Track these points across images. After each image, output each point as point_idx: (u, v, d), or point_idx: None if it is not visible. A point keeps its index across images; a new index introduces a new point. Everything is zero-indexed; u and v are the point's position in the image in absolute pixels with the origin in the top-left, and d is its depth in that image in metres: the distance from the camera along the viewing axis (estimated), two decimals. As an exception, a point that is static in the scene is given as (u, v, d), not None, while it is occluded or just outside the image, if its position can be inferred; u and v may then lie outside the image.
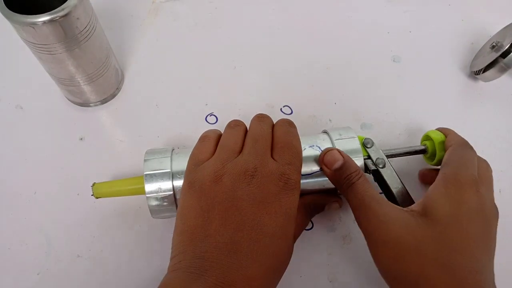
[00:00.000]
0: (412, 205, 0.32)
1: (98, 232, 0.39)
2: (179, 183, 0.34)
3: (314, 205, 0.37)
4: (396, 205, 0.32)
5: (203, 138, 0.35)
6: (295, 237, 0.33)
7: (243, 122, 0.36)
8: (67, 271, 0.38)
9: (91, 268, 0.38)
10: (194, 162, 0.33)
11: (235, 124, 0.36)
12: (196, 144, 0.35)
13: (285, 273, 0.37)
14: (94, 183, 0.37)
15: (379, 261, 0.32)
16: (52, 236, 0.39)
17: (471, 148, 0.36)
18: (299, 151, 0.33)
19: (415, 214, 0.31)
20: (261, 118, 0.36)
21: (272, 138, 0.34)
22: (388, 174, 0.36)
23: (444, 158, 0.35)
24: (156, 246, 0.39)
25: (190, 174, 0.32)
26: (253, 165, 0.31)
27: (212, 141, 0.34)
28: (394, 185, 0.36)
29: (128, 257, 0.38)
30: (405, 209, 0.32)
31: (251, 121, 0.36)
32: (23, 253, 0.38)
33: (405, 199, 0.35)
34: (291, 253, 0.31)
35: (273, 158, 0.32)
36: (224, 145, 0.33)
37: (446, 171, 0.33)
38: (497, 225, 0.32)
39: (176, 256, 0.29)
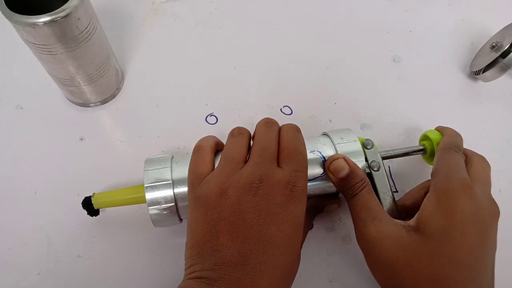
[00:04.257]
0: (409, 221, 0.32)
1: (98, 232, 0.39)
2: (180, 192, 0.34)
3: (314, 207, 0.37)
4: (392, 220, 0.32)
5: (197, 149, 0.34)
6: (303, 241, 0.33)
7: (246, 129, 0.35)
8: (67, 271, 0.38)
9: (91, 268, 0.38)
10: (196, 177, 0.32)
11: (238, 132, 0.35)
12: (192, 157, 0.34)
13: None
14: (94, 193, 0.37)
15: (375, 275, 0.33)
16: (52, 236, 0.39)
17: (457, 149, 0.36)
18: (305, 157, 0.33)
19: (410, 229, 0.31)
20: (268, 124, 0.35)
21: (278, 143, 0.33)
22: (379, 179, 0.36)
23: (433, 167, 0.35)
24: (156, 246, 0.39)
25: (194, 189, 0.32)
26: (258, 176, 0.30)
27: (208, 151, 0.34)
28: (383, 191, 0.36)
29: (128, 258, 0.38)
30: (402, 223, 0.32)
31: (258, 126, 0.35)
32: (23, 253, 0.38)
33: (390, 208, 0.35)
34: (299, 260, 0.31)
35: (279, 166, 0.32)
36: (227, 156, 0.32)
37: (437, 181, 0.33)
38: (497, 222, 0.32)
39: (188, 269, 0.29)
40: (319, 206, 0.38)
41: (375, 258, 0.32)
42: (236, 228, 0.29)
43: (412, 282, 0.30)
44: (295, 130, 0.35)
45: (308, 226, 0.36)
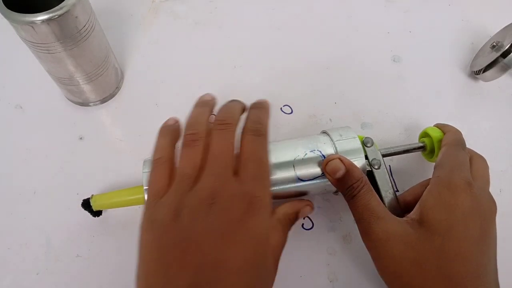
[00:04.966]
0: (410, 213, 0.32)
1: (98, 232, 0.39)
2: None
3: (287, 217, 0.33)
4: (396, 218, 0.32)
5: (156, 162, 0.31)
6: (276, 258, 0.30)
7: (200, 130, 0.31)
8: (66, 271, 0.38)
9: (91, 268, 0.38)
10: (153, 193, 0.30)
11: (191, 140, 0.31)
12: (152, 168, 0.31)
13: (285, 273, 0.37)
14: (93, 195, 0.36)
15: (383, 275, 0.33)
16: (51, 236, 0.39)
17: (464, 147, 0.36)
18: (264, 161, 0.30)
19: (414, 224, 0.31)
20: (222, 126, 0.31)
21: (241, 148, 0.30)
22: (381, 177, 0.36)
23: (437, 160, 0.35)
24: (156, 246, 0.39)
25: (149, 210, 0.29)
26: (210, 190, 0.27)
27: (167, 163, 0.31)
28: (385, 189, 0.36)
29: (127, 257, 0.38)
30: (404, 219, 0.32)
31: (212, 130, 0.31)
32: (22, 253, 0.38)
33: (393, 206, 0.35)
34: (272, 278, 0.28)
35: (237, 174, 0.29)
36: (181, 173, 0.30)
37: (440, 174, 0.33)
38: (495, 218, 0.32)
39: None
40: (291, 214, 0.33)
41: (383, 258, 0.32)
42: (189, 254, 0.26)
43: (421, 279, 0.30)
44: (255, 132, 0.31)
45: (281, 240, 0.31)
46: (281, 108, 0.48)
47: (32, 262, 0.38)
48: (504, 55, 0.45)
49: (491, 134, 0.46)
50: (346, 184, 0.33)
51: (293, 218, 0.33)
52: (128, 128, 0.46)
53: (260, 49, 0.53)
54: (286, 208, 0.33)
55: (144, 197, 0.33)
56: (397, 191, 0.42)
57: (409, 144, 0.40)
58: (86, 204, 0.36)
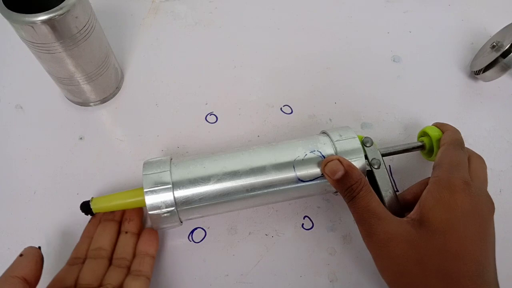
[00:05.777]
0: (411, 213, 0.33)
1: (98, 231, 0.39)
2: (180, 195, 0.34)
3: None
4: (397, 218, 0.32)
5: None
6: None
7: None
8: (66, 271, 0.37)
9: (91, 268, 0.38)
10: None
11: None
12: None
13: (285, 273, 0.37)
14: (92, 198, 0.36)
15: (384, 275, 0.33)
16: (51, 236, 0.39)
17: (462, 147, 0.36)
18: None
19: (415, 224, 0.31)
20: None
21: None
22: (381, 177, 0.36)
23: (436, 159, 0.35)
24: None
25: None
26: None
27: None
28: (385, 188, 0.36)
29: (127, 257, 0.38)
30: (404, 219, 0.32)
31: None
32: (22, 252, 0.38)
33: (393, 205, 0.35)
34: None
35: None
36: None
37: (439, 174, 0.33)
38: (493, 217, 0.32)
39: None
40: None
41: (385, 259, 0.32)
42: None
43: (423, 278, 0.30)
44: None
45: None
46: (281, 108, 0.48)
47: (32, 262, 0.38)
48: (504, 55, 0.45)
49: (491, 134, 0.46)
50: (345, 185, 0.33)
51: None
52: (128, 128, 0.46)
53: (260, 49, 0.53)
54: None
55: (144, 200, 0.33)
56: (397, 191, 0.42)
57: (408, 144, 0.40)
58: (85, 207, 0.36)
